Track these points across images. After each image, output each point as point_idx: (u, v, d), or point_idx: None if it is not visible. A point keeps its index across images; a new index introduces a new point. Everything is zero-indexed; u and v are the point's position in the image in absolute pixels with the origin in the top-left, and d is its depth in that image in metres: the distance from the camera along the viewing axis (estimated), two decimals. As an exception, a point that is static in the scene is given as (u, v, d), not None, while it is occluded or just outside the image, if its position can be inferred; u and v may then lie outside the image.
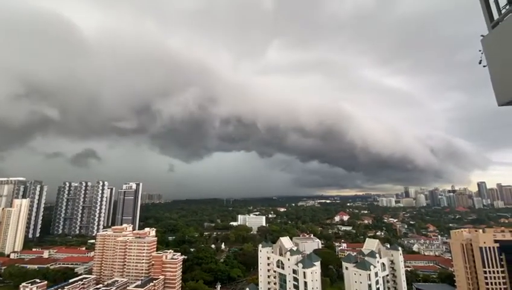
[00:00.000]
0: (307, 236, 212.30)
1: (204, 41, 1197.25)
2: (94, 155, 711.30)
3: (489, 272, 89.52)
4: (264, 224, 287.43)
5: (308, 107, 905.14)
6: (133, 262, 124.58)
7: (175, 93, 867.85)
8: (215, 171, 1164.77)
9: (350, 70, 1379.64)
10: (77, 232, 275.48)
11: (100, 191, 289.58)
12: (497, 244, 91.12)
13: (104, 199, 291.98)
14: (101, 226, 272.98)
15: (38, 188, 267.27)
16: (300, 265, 73.67)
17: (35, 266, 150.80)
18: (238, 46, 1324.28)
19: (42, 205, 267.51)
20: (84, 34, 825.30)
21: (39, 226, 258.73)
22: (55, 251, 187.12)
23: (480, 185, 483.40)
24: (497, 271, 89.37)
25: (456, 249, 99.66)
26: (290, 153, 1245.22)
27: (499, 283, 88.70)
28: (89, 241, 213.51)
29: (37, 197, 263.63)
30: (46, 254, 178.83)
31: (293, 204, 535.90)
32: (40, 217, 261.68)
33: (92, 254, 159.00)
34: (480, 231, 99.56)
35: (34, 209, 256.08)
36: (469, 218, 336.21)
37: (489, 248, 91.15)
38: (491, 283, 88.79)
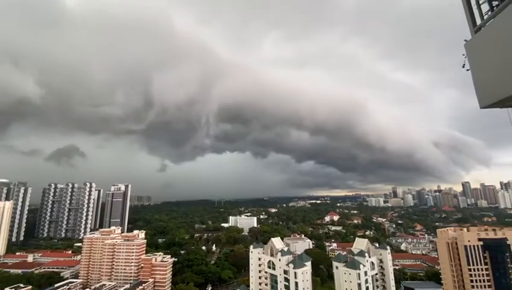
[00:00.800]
0: (298, 236, 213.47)
1: (203, 25, 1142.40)
2: (78, 152, 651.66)
3: (474, 269, 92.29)
4: (255, 225, 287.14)
5: (307, 100, 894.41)
6: (121, 265, 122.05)
7: (169, 76, 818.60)
8: (206, 173, 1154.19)
9: (350, 63, 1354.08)
10: (63, 235, 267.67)
11: (87, 193, 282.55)
12: (481, 243, 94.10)
13: (92, 201, 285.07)
14: (88, 229, 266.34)
15: (22, 190, 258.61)
16: (291, 265, 74.04)
17: (19, 271, 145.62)
18: (236, 34, 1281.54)
19: (26, 208, 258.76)
20: (65, 1, 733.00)
21: (23, 229, 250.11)
22: (39, 254, 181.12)
23: (465, 185, 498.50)
24: (481, 268, 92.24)
25: (442, 247, 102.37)
26: (285, 153, 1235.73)
27: (483, 280, 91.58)
28: (76, 244, 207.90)
29: (20, 199, 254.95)
30: (30, 258, 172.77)
31: (284, 205, 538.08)
32: (24, 220, 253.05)
33: (78, 257, 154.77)
34: (465, 229, 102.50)
35: (18, 212, 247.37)
36: (454, 217, 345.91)
37: (474, 246, 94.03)
38: (476, 280, 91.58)
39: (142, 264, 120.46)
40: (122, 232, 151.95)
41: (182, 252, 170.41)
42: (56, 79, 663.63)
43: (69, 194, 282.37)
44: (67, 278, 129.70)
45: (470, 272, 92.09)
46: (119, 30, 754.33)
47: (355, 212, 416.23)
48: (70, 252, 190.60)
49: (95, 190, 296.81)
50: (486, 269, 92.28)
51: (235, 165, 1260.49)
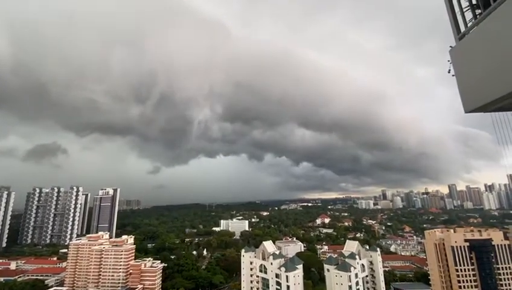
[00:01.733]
0: (290, 239, 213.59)
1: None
2: (60, 150, 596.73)
3: (461, 270, 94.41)
4: (247, 228, 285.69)
5: (316, 91, 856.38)
6: (109, 272, 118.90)
7: (165, 55, 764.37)
8: (198, 176, 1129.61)
9: (356, 53, 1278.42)
10: (48, 241, 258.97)
11: (74, 197, 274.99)
12: (467, 244, 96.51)
13: (78, 205, 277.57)
14: (74, 235, 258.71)
15: (5, 195, 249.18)
16: (283, 269, 73.88)
17: (1, 279, 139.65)
18: (238, 19, 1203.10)
19: (9, 213, 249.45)
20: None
21: (6, 235, 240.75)
22: (23, 261, 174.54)
23: (451, 187, 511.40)
24: (468, 269, 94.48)
25: (430, 248, 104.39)
26: (283, 155, 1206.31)
27: (470, 280, 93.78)
28: (61, 250, 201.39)
29: (3, 204, 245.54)
30: (13, 265, 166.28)
31: (276, 208, 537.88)
32: (7, 226, 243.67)
33: (64, 264, 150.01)
34: (452, 230, 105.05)
35: (1, 217, 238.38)
36: (441, 219, 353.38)
37: (460, 247, 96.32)
38: (463, 281, 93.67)
39: (131, 271, 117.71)
40: (110, 238, 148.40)
41: (172, 257, 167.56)
42: (34, 52, 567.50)
43: (55, 198, 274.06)
44: (52, 286, 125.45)
45: (457, 273, 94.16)
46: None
47: (346, 214, 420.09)
48: (55, 258, 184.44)
49: (82, 194, 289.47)
50: (473, 270, 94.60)
51: (228, 168, 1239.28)
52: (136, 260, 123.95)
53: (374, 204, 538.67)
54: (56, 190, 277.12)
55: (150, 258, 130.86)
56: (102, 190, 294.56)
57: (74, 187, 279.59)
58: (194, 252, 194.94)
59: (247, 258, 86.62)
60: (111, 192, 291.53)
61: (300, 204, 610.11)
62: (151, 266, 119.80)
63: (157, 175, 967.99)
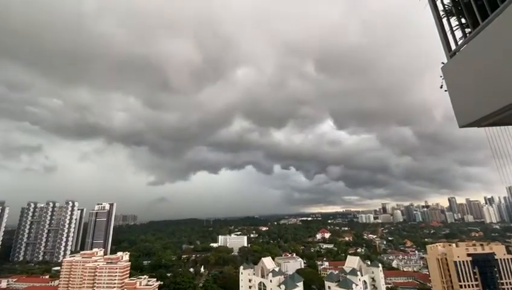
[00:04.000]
0: (289, 256, 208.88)
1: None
2: (58, 160, 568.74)
3: (465, 286, 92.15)
4: (245, 244, 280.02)
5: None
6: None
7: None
8: (197, 190, 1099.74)
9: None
10: (40, 258, 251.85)
11: (69, 213, 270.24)
12: (470, 258, 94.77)
13: (73, 221, 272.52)
14: (68, 251, 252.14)
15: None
16: (283, 286, 71.91)
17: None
18: None
19: (2, 229, 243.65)
20: None
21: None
22: (14, 280, 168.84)
23: (451, 200, 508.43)
24: (472, 285, 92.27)
25: (432, 263, 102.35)
26: (288, 167, 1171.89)
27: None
28: (54, 268, 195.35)
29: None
30: (4, 284, 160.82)
31: (275, 222, 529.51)
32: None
33: (56, 282, 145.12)
34: (454, 245, 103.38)
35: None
36: (443, 232, 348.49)
37: (463, 261, 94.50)
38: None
39: (126, 289, 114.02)
40: (105, 255, 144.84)
41: (169, 274, 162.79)
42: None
43: (50, 213, 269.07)
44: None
45: (461, 289, 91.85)
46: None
47: (346, 229, 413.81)
48: (47, 277, 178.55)
49: (78, 209, 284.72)
50: (477, 285, 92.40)
51: (229, 182, 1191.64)
52: (131, 278, 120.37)
53: (374, 218, 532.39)
54: (51, 204, 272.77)
55: (145, 276, 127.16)
56: (98, 204, 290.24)
57: (70, 202, 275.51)
58: (191, 270, 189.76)
59: (245, 276, 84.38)
60: (107, 207, 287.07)
61: (300, 218, 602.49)
62: (146, 284, 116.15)
63: (155, 189, 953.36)
